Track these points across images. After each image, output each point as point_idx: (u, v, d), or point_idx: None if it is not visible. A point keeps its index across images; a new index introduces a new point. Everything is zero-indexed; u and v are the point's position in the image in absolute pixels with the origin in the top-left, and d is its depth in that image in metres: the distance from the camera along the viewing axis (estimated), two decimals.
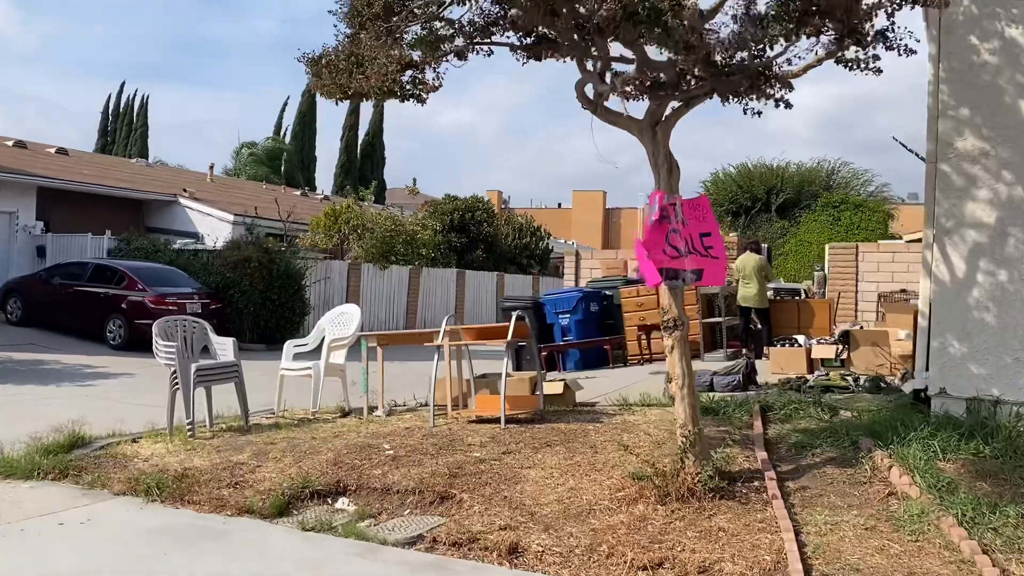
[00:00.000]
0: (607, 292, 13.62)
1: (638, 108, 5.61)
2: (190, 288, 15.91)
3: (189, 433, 7.03)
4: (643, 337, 12.38)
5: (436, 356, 7.34)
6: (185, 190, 23.64)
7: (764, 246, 13.41)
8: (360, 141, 53.02)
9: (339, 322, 8.84)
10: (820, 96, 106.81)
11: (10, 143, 23.62)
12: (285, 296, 17.03)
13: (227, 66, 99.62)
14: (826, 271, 14.34)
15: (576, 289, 13.25)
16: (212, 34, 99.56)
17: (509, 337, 7.00)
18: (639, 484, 5.23)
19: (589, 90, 5.50)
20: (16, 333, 15.86)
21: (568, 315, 13.01)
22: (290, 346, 8.65)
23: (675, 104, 5.29)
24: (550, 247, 32.27)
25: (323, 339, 8.82)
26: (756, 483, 5.38)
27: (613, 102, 5.50)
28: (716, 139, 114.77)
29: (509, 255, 29.47)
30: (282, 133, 53.00)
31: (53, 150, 25.01)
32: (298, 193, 33.40)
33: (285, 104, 53.61)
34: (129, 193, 22.19)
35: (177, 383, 7.19)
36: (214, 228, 21.62)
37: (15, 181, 19.18)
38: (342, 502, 5.57)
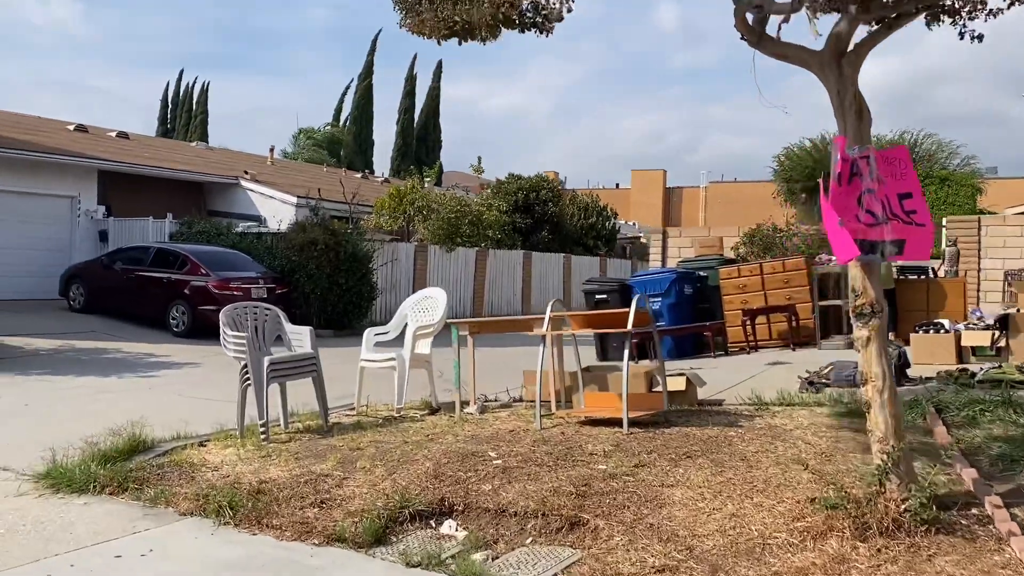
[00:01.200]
0: (701, 273, 12.44)
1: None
2: (255, 272, 15.22)
3: (263, 436, 6.16)
4: (748, 323, 11.18)
5: (541, 347, 6.31)
6: (246, 172, 23.06)
7: None
8: (415, 124, 52.39)
9: (423, 307, 7.90)
10: (883, 71, 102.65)
11: (71, 127, 23.31)
12: (352, 280, 16.24)
13: (282, 54, 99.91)
14: (957, 246, 12.90)
15: (668, 270, 12.11)
16: (267, 23, 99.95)
17: (630, 325, 5.95)
18: (826, 512, 4.13)
19: (751, 17, 4.38)
20: (79, 320, 15.38)
21: (660, 299, 11.87)
22: (370, 334, 7.73)
23: (870, 28, 4.16)
24: (617, 227, 31.03)
25: (405, 326, 7.90)
26: (975, 511, 4.24)
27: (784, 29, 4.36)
28: (773, 116, 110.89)
29: (575, 236, 28.33)
30: (342, 119, 52.69)
31: (114, 134, 24.67)
32: (359, 176, 32.73)
33: (346, 90, 53.06)
34: (190, 176, 21.67)
35: (248, 378, 6.31)
36: (276, 211, 21.00)
37: (76, 164, 18.76)
38: (449, 526, 4.60)
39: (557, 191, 27.38)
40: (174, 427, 6.74)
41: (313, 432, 6.56)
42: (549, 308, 6.41)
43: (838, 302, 10.90)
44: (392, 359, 7.36)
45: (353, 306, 16.45)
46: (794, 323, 11.00)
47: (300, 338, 6.79)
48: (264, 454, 5.84)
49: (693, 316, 12.02)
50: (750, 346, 11.29)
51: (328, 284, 15.93)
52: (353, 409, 7.68)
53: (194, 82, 54.03)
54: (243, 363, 6.35)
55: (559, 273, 25.81)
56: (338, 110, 53.56)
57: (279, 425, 6.78)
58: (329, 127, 50.49)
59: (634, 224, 43.60)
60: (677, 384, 6.79)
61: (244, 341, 6.23)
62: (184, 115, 53.80)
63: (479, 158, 28.72)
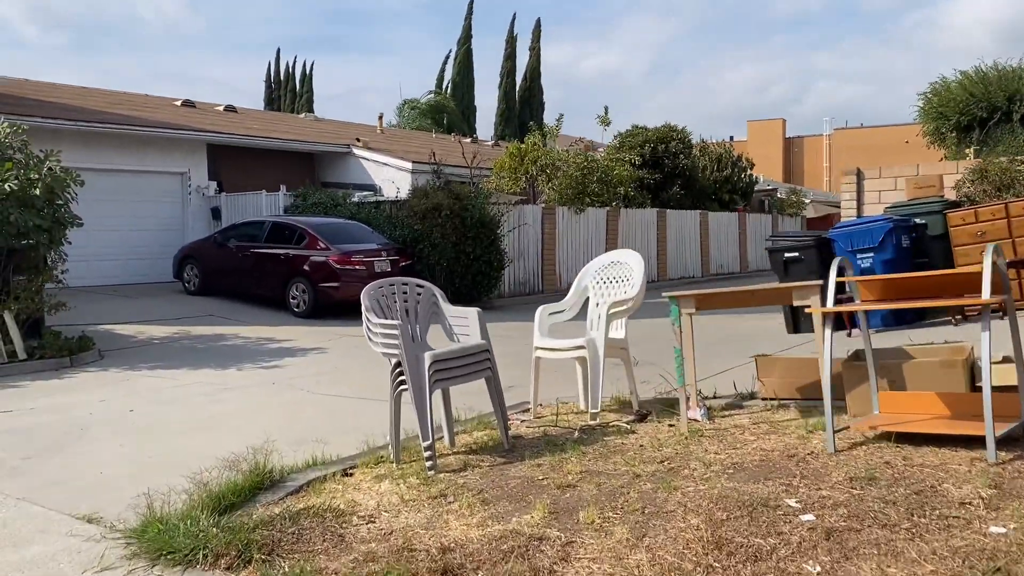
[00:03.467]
0: (918, 220, 10.06)
1: None
2: (376, 244, 13.71)
3: (428, 464, 4.42)
4: None
5: (825, 328, 4.30)
6: (358, 139, 21.69)
7: None
8: (518, 87, 50.44)
9: (610, 276, 6.00)
10: (1000, 4, 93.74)
11: (178, 103, 22.48)
12: (480, 248, 14.54)
13: (380, 32, 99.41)
14: None
15: (880, 217, 9.78)
16: (363, 3, 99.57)
17: (987, 291, 3.86)
18: None
19: None
20: (194, 303, 14.29)
21: (871, 254, 9.59)
22: (545, 314, 5.89)
23: None
24: (755, 179, 28.25)
25: (585, 301, 6.04)
26: None
27: None
28: (881, 62, 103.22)
29: (709, 191, 25.80)
30: (444, 87, 51.32)
31: (221, 108, 23.75)
32: (468, 140, 31.08)
33: (447, 58, 51.54)
34: (300, 146, 20.44)
35: (403, 381, 4.58)
36: (391, 178, 19.53)
37: (185, 138, 17.73)
38: None
39: (688, 142, 24.85)
40: (307, 445, 5.14)
41: (491, 452, 4.80)
42: (833, 270, 4.38)
43: None
44: (581, 347, 5.50)
45: (482, 276, 14.77)
46: None
47: (465, 323, 5.00)
48: (434, 492, 4.10)
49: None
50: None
51: (454, 254, 14.29)
52: (527, 411, 5.91)
53: (294, 62, 53.83)
54: (395, 360, 4.62)
55: (695, 232, 23.48)
56: (440, 78, 52.17)
57: (442, 438, 5.06)
58: (432, 95, 49.10)
59: (759, 177, 40.42)
60: (1005, 376, 4.65)
61: (396, 332, 4.48)
62: (288, 95, 53.53)
63: (605, 108, 26.29)
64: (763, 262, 27.37)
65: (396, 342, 4.50)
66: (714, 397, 5.90)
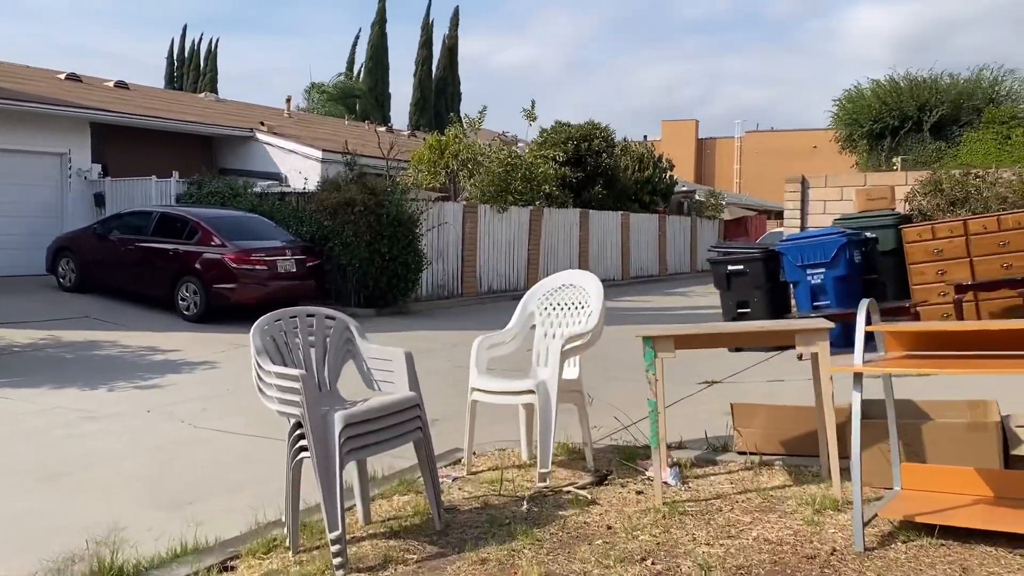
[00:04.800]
0: (869, 235, 9.50)
1: None
2: (280, 241, 12.38)
3: (337, 564, 3.33)
4: (961, 301, 8.23)
5: (856, 388, 3.42)
6: (263, 123, 20.10)
7: None
8: (434, 76, 49.10)
9: (561, 302, 5.01)
10: (896, 17, 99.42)
11: (62, 76, 20.34)
12: (397, 248, 13.36)
13: (291, 11, 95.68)
14: None
15: (833, 231, 9.14)
16: None
17: None
18: None
19: None
20: (69, 302, 12.64)
21: (823, 270, 8.96)
22: (483, 347, 4.84)
23: None
24: (675, 181, 27.88)
25: (532, 330, 5.05)
26: None
27: None
28: (787, 68, 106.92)
29: (630, 191, 25.23)
30: (355, 71, 49.44)
31: (111, 83, 21.67)
32: (383, 129, 29.65)
33: (356, 38, 49.71)
34: (198, 128, 18.72)
35: (304, 449, 3.48)
36: (298, 167, 18.11)
37: (65, 115, 15.85)
38: None
39: (611, 140, 24.18)
40: (178, 514, 4.00)
41: (419, 535, 3.74)
42: (862, 314, 3.51)
43: None
44: (530, 391, 4.49)
45: (399, 279, 13.59)
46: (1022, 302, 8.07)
47: (388, 367, 3.92)
48: None
49: (862, 292, 9.10)
50: None
51: (368, 254, 13.09)
52: (459, 463, 4.90)
53: (200, 38, 50.91)
54: (294, 421, 3.51)
55: (617, 234, 22.85)
56: (351, 61, 50.23)
57: (354, 508, 3.96)
58: (342, 78, 47.03)
59: (677, 178, 40.34)
60: None
61: (298, 385, 3.37)
62: (191, 73, 50.59)
63: (532, 102, 25.16)
64: (682, 264, 27.05)
65: (297, 398, 3.39)
66: (680, 447, 5.00)
